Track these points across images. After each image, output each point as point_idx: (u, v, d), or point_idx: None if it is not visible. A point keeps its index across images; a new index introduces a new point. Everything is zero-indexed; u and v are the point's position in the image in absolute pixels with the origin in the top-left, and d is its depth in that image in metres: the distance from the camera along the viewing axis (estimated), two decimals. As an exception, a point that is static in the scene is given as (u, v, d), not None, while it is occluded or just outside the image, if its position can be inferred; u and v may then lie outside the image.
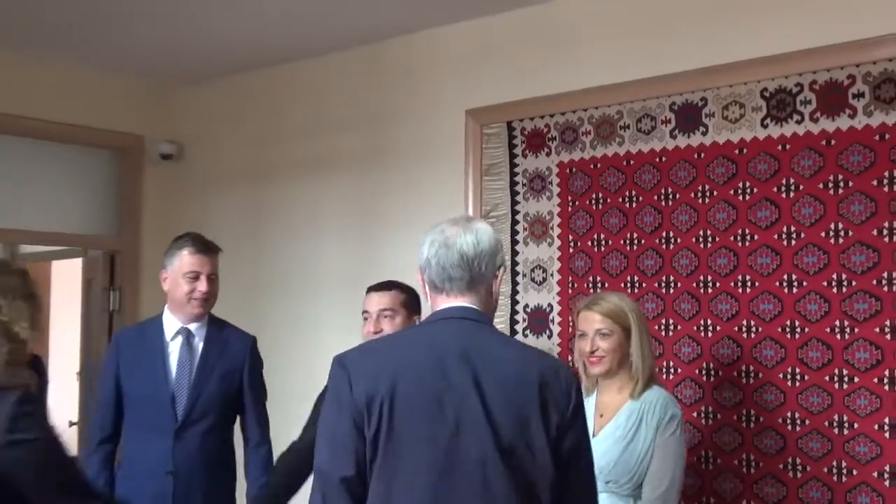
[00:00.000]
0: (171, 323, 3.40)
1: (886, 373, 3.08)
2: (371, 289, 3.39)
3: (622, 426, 2.85)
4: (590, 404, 2.95)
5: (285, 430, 3.50)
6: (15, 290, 2.21)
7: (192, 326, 3.41)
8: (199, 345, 3.41)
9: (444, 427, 1.96)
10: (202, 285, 3.33)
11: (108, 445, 3.43)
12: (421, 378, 2.00)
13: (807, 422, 3.23)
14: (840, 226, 3.19)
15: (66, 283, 7.27)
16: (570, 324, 3.78)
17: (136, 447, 3.36)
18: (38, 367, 5.95)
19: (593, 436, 2.86)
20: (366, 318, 3.28)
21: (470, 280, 2.11)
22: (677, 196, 3.55)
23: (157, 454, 3.28)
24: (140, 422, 3.35)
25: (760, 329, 3.33)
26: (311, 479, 2.11)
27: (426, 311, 3.34)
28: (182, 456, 3.29)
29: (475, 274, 2.11)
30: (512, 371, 2.02)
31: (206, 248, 3.39)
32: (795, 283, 3.27)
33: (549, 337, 3.88)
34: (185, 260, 3.34)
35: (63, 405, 5.69)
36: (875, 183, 3.13)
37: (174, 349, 3.39)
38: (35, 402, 2.10)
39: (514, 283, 4.00)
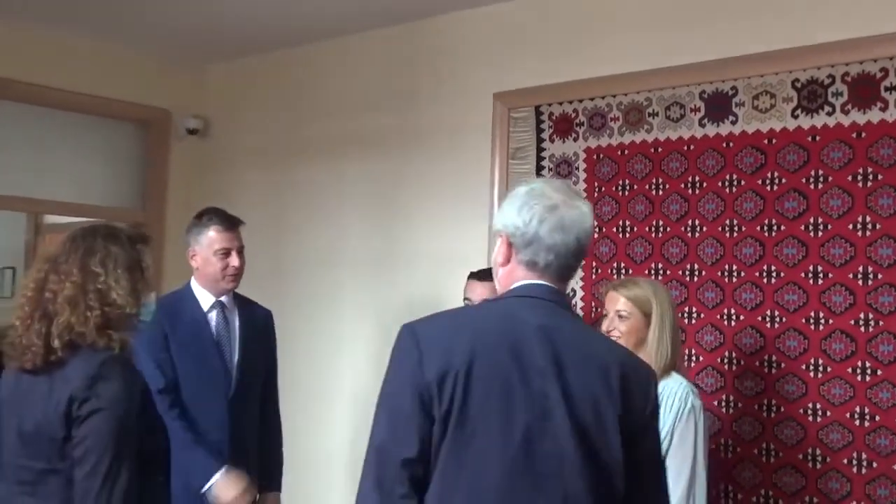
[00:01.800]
0: (205, 296, 3.43)
1: (910, 366, 3.09)
2: (475, 276, 3.46)
3: None
4: None
5: (302, 405, 3.56)
6: (118, 259, 2.29)
7: (224, 299, 3.45)
8: (234, 318, 3.46)
9: (521, 411, 1.82)
10: (234, 261, 3.37)
11: (171, 395, 3.30)
12: (499, 356, 1.85)
13: (828, 413, 3.24)
14: (868, 218, 3.18)
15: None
16: (594, 309, 3.80)
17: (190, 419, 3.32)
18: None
19: None
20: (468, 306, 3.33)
21: (574, 268, 2.00)
22: (704, 185, 3.55)
23: (214, 424, 3.31)
24: (190, 395, 3.34)
25: (784, 319, 3.34)
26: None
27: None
28: (237, 426, 3.34)
29: (579, 262, 2.00)
30: (593, 358, 1.88)
31: (233, 223, 3.42)
32: (821, 275, 3.27)
33: (571, 321, 3.88)
34: (214, 237, 3.36)
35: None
36: (905, 177, 3.14)
37: (212, 321, 3.43)
38: (119, 365, 2.22)
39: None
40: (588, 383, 1.85)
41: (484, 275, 3.48)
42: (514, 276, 1.98)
